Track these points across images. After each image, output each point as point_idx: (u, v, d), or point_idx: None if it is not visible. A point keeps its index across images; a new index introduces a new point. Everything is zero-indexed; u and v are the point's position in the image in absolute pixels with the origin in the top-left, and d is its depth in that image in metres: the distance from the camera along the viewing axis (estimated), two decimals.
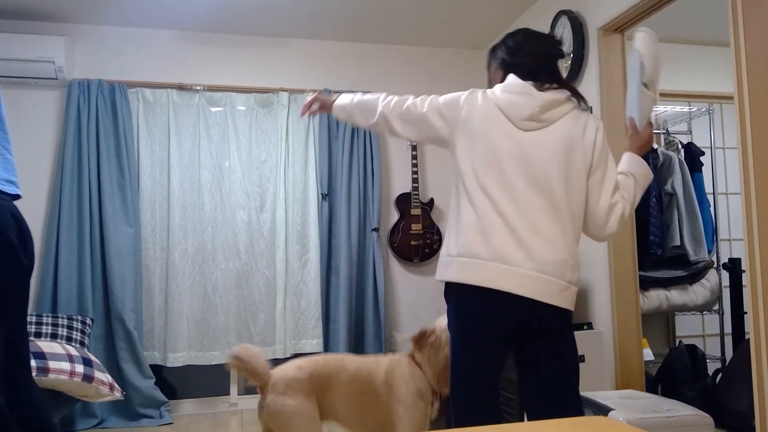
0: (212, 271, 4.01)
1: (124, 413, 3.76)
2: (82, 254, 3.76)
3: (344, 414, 2.16)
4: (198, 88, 4.09)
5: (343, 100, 2.00)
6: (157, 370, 3.93)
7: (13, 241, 1.55)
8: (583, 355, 2.66)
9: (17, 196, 1.68)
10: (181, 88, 4.07)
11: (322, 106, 2.08)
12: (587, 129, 1.78)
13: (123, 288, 3.77)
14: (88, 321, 3.57)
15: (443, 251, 1.82)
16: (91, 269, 3.77)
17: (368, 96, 1.96)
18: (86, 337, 3.51)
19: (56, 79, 3.79)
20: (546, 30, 3.59)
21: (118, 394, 3.11)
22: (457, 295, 1.78)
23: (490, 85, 1.90)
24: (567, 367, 1.78)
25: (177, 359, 3.90)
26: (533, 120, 1.74)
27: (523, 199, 1.71)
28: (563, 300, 1.72)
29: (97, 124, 3.85)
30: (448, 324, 1.83)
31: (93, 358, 3.07)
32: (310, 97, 2.07)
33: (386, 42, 4.46)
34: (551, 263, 1.69)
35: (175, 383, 4.13)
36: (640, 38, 1.90)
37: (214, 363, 3.98)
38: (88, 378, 2.93)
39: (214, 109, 4.12)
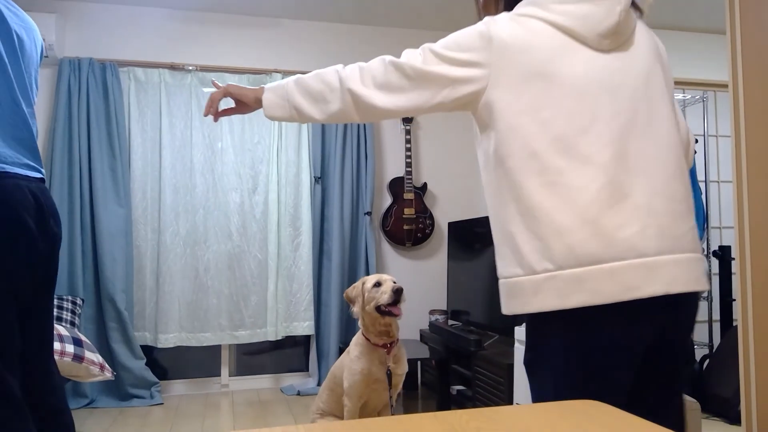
0: (204, 252, 4.00)
1: (114, 393, 3.77)
2: (72, 234, 3.74)
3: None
4: (190, 68, 4.05)
5: (273, 89, 1.37)
6: (148, 350, 3.94)
7: (26, 222, 1.54)
8: None
9: (41, 180, 1.66)
10: (173, 67, 4.03)
11: (237, 103, 1.48)
12: (655, 38, 1.34)
13: (114, 269, 3.76)
14: (79, 301, 3.56)
15: (510, 269, 1.20)
16: (81, 249, 3.75)
17: (311, 75, 1.33)
18: (77, 318, 3.50)
19: (47, 57, 3.73)
20: None
21: (108, 375, 3.11)
22: (573, 327, 1.16)
23: (482, 17, 1.35)
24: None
25: (168, 340, 3.90)
26: (617, 34, 1.20)
27: (633, 152, 1.16)
28: (706, 279, 1.22)
29: (87, 103, 3.81)
30: (551, 370, 1.21)
31: (83, 338, 3.07)
32: (213, 90, 1.42)
33: (382, 24, 4.43)
34: (688, 232, 1.19)
35: (166, 364, 4.14)
36: None
37: (205, 344, 3.99)
38: (78, 358, 2.93)
39: (206, 90, 4.09)
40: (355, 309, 2.51)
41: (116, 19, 4.00)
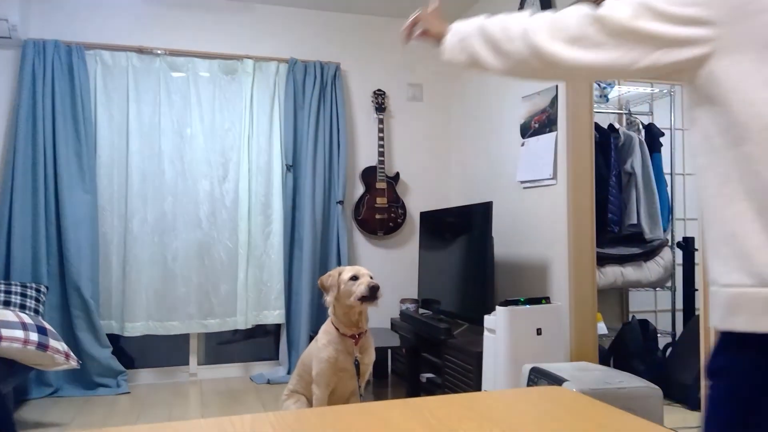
0: (172, 240, 3.95)
1: (80, 382, 3.71)
2: (36, 221, 3.65)
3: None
4: (159, 52, 3.97)
5: (460, 28, 1.25)
6: (115, 339, 3.88)
7: None
8: (540, 328, 2.72)
9: None
10: (141, 51, 3.94)
11: (427, 32, 1.37)
12: None
13: (79, 256, 3.68)
14: (43, 289, 3.49)
15: (733, 276, 0.96)
16: (45, 236, 3.66)
17: (497, 20, 1.18)
18: (40, 305, 3.43)
19: (10, 38, 3.62)
20: (515, 9, 3.59)
21: (74, 363, 3.05)
22: None
23: None
24: None
25: (135, 329, 3.85)
26: None
27: None
28: None
29: (53, 86, 3.70)
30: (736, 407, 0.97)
31: (48, 326, 3.01)
32: (413, 16, 1.40)
33: (353, 12, 4.40)
34: None
35: (133, 353, 4.08)
36: None
37: (173, 333, 3.94)
38: (42, 346, 2.87)
39: (175, 75, 4.01)
40: (329, 298, 2.51)
41: (83, 1, 3.89)
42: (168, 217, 3.94)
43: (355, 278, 2.48)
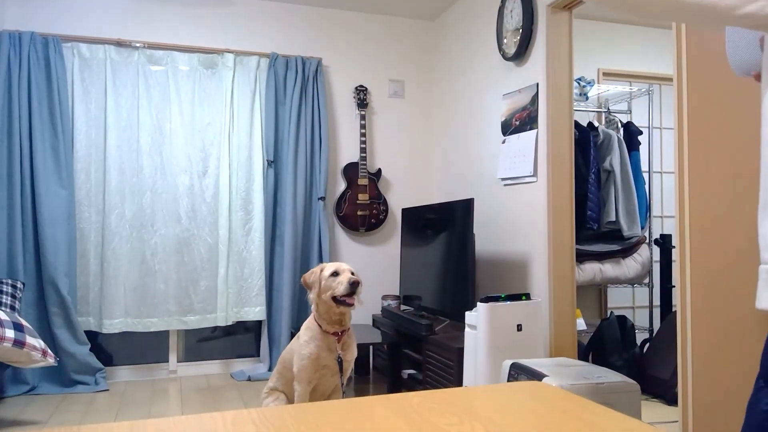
0: (151, 236, 3.90)
1: (57, 380, 3.66)
2: (12, 216, 3.58)
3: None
4: (138, 45, 3.92)
5: None
6: (93, 336, 3.83)
7: None
8: (521, 324, 2.75)
9: None
10: (119, 44, 3.89)
11: None
12: None
13: (56, 252, 3.63)
14: (19, 285, 3.43)
15: None
16: (22, 232, 3.60)
17: None
18: (17, 302, 3.37)
19: None
20: (496, 8, 3.60)
21: (51, 360, 3.01)
22: None
23: None
24: None
25: (113, 326, 3.81)
26: None
27: None
28: None
29: (29, 79, 3.64)
30: None
31: (24, 322, 2.96)
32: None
33: (335, 6, 4.38)
34: None
35: (112, 350, 4.04)
36: None
37: (152, 330, 3.90)
38: (19, 343, 2.83)
39: (154, 68, 3.97)
40: (312, 295, 2.51)
41: None
42: (147, 212, 3.90)
43: (336, 274, 2.48)
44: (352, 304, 2.44)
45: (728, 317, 2.12)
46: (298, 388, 2.48)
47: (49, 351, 3.02)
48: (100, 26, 3.89)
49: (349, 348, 2.55)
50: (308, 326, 2.54)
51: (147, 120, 3.92)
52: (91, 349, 3.73)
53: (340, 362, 2.47)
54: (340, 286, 2.43)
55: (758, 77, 1.18)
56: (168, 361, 4.09)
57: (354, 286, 2.42)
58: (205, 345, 4.28)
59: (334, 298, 2.45)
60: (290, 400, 2.65)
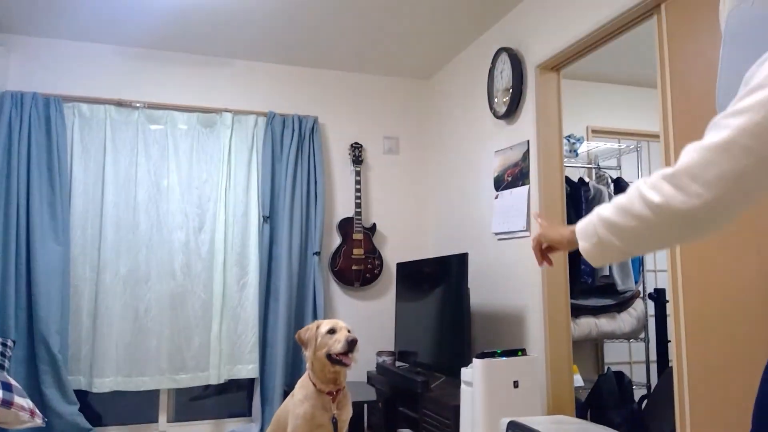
0: (145, 292, 3.88)
1: None
2: (5, 272, 3.57)
3: None
4: (138, 105, 4.00)
5: (589, 225, 1.15)
6: (82, 395, 3.75)
7: None
8: (517, 381, 2.72)
9: None
10: (120, 104, 3.97)
11: (553, 247, 1.36)
12: None
13: (48, 308, 3.59)
14: (9, 343, 3.38)
15: None
16: (15, 288, 3.58)
17: (608, 207, 1.09)
18: (6, 360, 3.31)
19: None
20: (487, 68, 3.72)
21: (39, 421, 2.94)
22: None
23: None
24: None
25: (104, 384, 3.74)
26: None
27: None
28: None
29: (29, 138, 3.69)
30: None
31: (13, 382, 2.90)
32: (533, 243, 1.40)
33: (331, 67, 4.51)
34: None
35: (101, 409, 3.95)
36: None
37: (143, 389, 3.83)
38: (6, 403, 2.77)
39: (153, 127, 4.04)
40: (307, 353, 2.48)
41: (63, 54, 3.94)
42: (141, 268, 3.89)
43: (332, 331, 2.46)
44: (348, 364, 2.41)
45: (725, 371, 2.11)
46: None
47: (37, 411, 2.96)
48: (101, 87, 3.98)
49: (344, 407, 2.51)
50: (303, 384, 2.51)
51: (144, 177, 3.96)
52: (79, 409, 3.65)
53: (335, 422, 2.42)
54: (338, 344, 2.41)
55: None
56: (158, 422, 4.00)
57: (352, 344, 2.40)
58: (195, 404, 4.19)
59: (330, 357, 2.42)
60: None
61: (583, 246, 1.16)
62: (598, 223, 1.10)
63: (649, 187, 0.99)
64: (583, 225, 1.17)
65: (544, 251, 1.40)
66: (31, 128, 3.70)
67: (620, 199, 1.06)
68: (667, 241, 1.02)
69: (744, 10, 1.26)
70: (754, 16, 1.25)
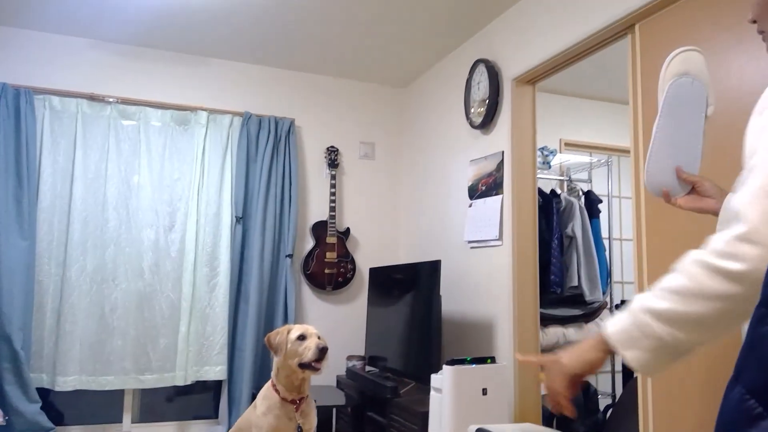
0: (112, 291, 3.82)
1: None
2: None
3: None
4: (111, 99, 3.94)
5: (634, 327, 0.93)
6: (45, 393, 3.67)
7: None
8: (486, 388, 2.75)
9: None
10: (92, 98, 3.91)
11: (568, 387, 1.06)
12: None
13: (11, 304, 3.50)
14: None
15: None
16: None
17: (659, 296, 0.93)
18: None
19: None
20: (464, 79, 3.77)
21: (0, 420, 2.87)
22: None
23: None
24: None
25: (67, 383, 3.66)
26: None
27: None
28: None
29: None
30: None
31: None
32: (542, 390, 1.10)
33: (310, 71, 4.51)
34: None
35: (64, 408, 3.86)
36: (695, 60, 1.32)
37: (107, 388, 3.76)
38: None
39: (126, 123, 3.98)
40: (277, 358, 2.45)
41: (35, 46, 3.86)
42: (108, 266, 3.83)
43: (303, 338, 2.44)
44: (318, 369, 2.41)
45: (689, 383, 2.17)
46: None
47: None
48: (74, 80, 3.91)
49: (308, 415, 2.49)
50: (265, 395, 2.47)
51: (115, 173, 3.90)
52: (41, 407, 3.56)
53: (301, 431, 2.41)
54: (308, 351, 2.39)
55: (666, 196, 1.34)
56: (122, 422, 3.93)
57: (323, 352, 2.39)
58: (161, 405, 4.13)
59: (300, 364, 2.41)
60: None
61: (635, 356, 0.91)
62: (653, 322, 0.88)
63: (718, 256, 0.82)
64: (623, 328, 0.93)
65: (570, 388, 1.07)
66: None
67: (672, 283, 0.89)
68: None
69: (684, 83, 1.31)
70: (693, 92, 1.31)
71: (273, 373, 2.48)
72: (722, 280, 0.79)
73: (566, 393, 1.04)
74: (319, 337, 2.46)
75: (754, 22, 1.10)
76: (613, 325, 0.93)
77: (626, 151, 4.86)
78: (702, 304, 0.81)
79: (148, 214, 3.94)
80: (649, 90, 2.45)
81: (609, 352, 0.96)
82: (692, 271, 0.84)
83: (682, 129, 1.27)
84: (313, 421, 2.52)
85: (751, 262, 0.76)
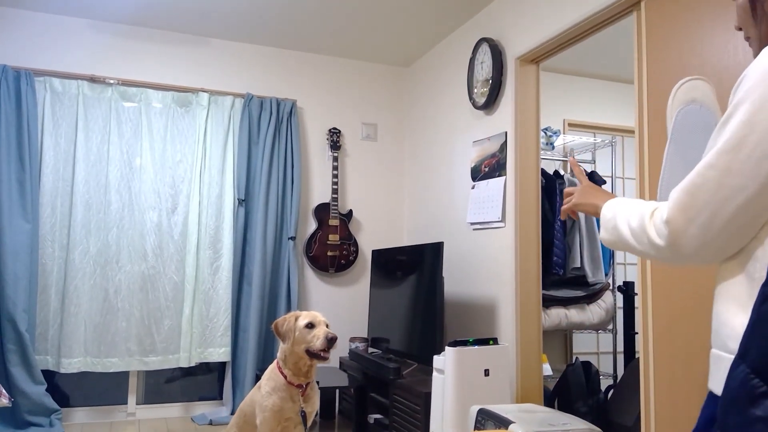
0: (115, 273, 3.83)
1: (9, 421, 3.50)
2: None
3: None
4: (111, 81, 3.92)
5: (611, 222, 1.20)
6: (50, 375, 3.70)
7: None
8: (488, 369, 2.76)
9: None
10: (93, 80, 3.89)
11: (579, 205, 1.37)
12: None
13: (16, 287, 3.52)
14: None
15: None
16: None
17: (624, 218, 1.15)
18: None
19: None
20: (467, 58, 3.73)
21: (5, 401, 2.89)
22: None
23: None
24: None
25: (71, 365, 3.69)
26: None
27: None
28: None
29: None
30: None
31: None
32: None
33: (311, 50, 4.47)
34: None
35: (69, 390, 3.90)
36: (702, 87, 1.36)
37: (112, 370, 3.79)
38: None
39: (127, 105, 3.96)
40: (285, 345, 2.44)
41: (36, 27, 3.83)
42: (112, 248, 3.83)
43: (311, 326, 2.43)
44: (326, 358, 2.40)
45: (690, 363, 2.17)
46: None
47: (3, 391, 2.91)
48: (74, 62, 3.89)
49: (311, 399, 2.49)
50: (271, 376, 2.46)
51: (117, 155, 3.89)
52: (47, 389, 3.60)
53: (304, 415, 2.42)
54: (316, 340, 2.38)
55: None
56: (126, 403, 3.97)
57: (331, 341, 2.38)
58: (165, 387, 4.17)
59: (308, 351, 2.41)
60: None
61: (603, 236, 1.24)
62: (612, 228, 1.19)
63: (653, 228, 1.08)
64: (607, 217, 1.22)
65: (567, 209, 1.44)
66: (0, 101, 3.60)
67: (631, 219, 1.13)
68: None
69: (692, 110, 1.34)
70: (701, 119, 1.34)
71: (279, 357, 2.48)
72: (649, 243, 1.07)
73: (567, 208, 1.42)
74: (327, 325, 2.44)
75: (740, 29, 1.16)
76: (606, 210, 1.23)
77: (631, 132, 4.83)
78: (635, 244, 1.11)
79: (150, 196, 3.93)
80: (655, 69, 2.42)
81: (598, 215, 1.27)
82: (639, 223, 1.10)
83: (691, 155, 1.31)
84: (316, 404, 2.53)
85: (665, 241, 1.03)
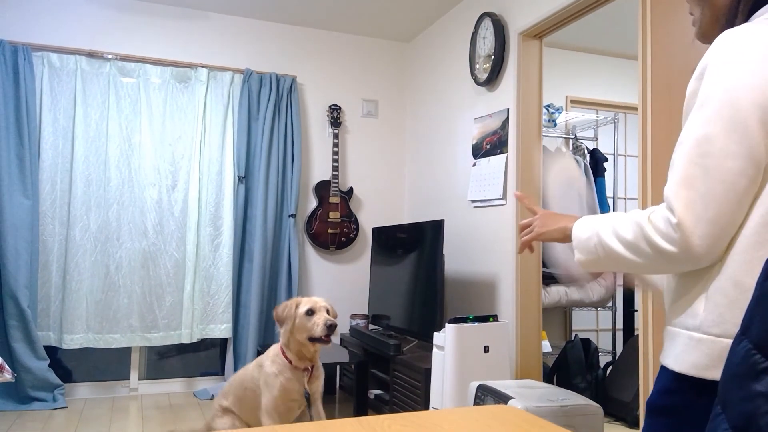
0: (116, 250, 3.84)
1: (13, 396, 3.54)
2: None
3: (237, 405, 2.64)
4: (109, 56, 3.88)
5: (590, 243, 1.10)
6: (52, 351, 3.73)
7: None
8: (488, 346, 2.77)
9: None
10: (91, 55, 3.85)
11: (543, 235, 1.27)
12: None
13: (17, 263, 3.53)
14: None
15: (720, 327, 0.95)
16: None
17: (610, 234, 1.06)
18: None
19: None
20: (469, 33, 3.68)
21: (8, 376, 2.91)
22: None
23: (716, 23, 1.08)
24: None
25: (74, 341, 3.71)
26: None
27: None
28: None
29: None
30: None
31: None
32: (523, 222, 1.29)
33: (311, 25, 4.42)
34: None
35: (71, 365, 3.93)
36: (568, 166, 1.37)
37: (114, 346, 3.82)
38: None
39: (125, 80, 3.93)
40: (284, 330, 2.45)
41: (32, 1, 3.77)
42: (112, 225, 3.83)
43: (311, 312, 2.43)
44: (328, 342, 2.41)
45: None
46: (268, 421, 2.41)
47: (6, 366, 2.93)
48: (72, 36, 3.84)
49: (316, 380, 2.51)
50: (275, 360, 2.47)
51: (116, 131, 3.87)
52: (49, 365, 3.63)
53: (308, 397, 2.43)
54: (316, 327, 2.39)
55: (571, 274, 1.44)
56: (129, 379, 4.00)
57: (331, 329, 2.39)
58: (167, 362, 4.20)
59: (310, 338, 2.42)
60: (245, 425, 2.61)
61: (580, 258, 1.13)
62: (599, 250, 1.08)
63: (658, 234, 0.98)
64: (583, 238, 1.11)
65: (529, 240, 1.33)
66: None
67: (621, 232, 1.03)
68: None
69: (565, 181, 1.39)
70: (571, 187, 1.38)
71: (282, 342, 2.48)
72: (654, 254, 0.98)
73: (530, 238, 1.31)
74: (327, 311, 2.44)
75: (692, 14, 1.14)
76: (578, 230, 1.13)
77: (634, 108, 4.80)
78: (634, 257, 1.01)
79: (150, 173, 3.92)
80: (660, 45, 2.39)
81: (568, 240, 1.18)
82: (637, 233, 1.00)
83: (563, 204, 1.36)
84: (320, 385, 2.54)
85: (677, 246, 0.95)
